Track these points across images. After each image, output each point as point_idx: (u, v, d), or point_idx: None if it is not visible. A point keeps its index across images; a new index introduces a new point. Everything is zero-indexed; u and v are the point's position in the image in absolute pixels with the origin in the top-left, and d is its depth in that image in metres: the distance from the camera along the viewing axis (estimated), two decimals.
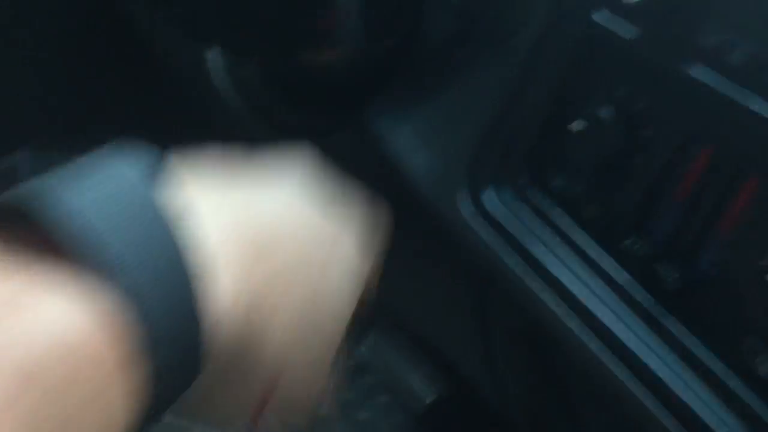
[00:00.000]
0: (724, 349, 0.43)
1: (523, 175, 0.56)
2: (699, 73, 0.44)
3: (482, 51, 0.61)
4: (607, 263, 0.50)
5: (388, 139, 0.63)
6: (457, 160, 0.58)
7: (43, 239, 0.26)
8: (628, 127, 0.48)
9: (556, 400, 0.63)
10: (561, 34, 0.52)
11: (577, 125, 0.50)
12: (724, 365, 0.43)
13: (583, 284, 0.50)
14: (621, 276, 0.49)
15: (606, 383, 0.48)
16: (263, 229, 0.34)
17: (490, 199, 0.56)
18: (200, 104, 0.83)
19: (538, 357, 0.62)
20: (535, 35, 0.55)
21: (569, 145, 0.51)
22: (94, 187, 0.27)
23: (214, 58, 0.77)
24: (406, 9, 0.63)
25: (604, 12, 0.49)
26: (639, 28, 0.47)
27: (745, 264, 0.42)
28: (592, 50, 0.51)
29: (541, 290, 0.52)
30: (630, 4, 0.45)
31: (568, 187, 0.53)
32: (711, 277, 0.44)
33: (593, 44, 0.51)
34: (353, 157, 0.70)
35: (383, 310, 0.46)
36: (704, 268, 0.45)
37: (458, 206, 0.57)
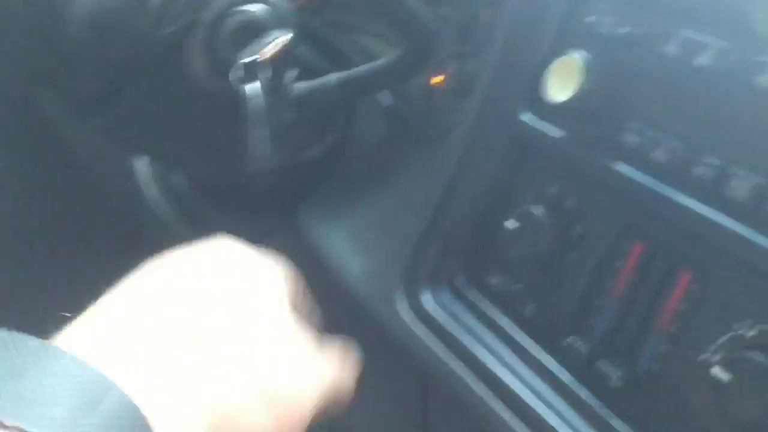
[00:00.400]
0: None
1: (460, 275, 0.55)
2: (624, 170, 0.45)
3: (414, 152, 0.62)
4: (550, 363, 0.49)
5: (320, 243, 0.62)
6: (393, 262, 0.57)
7: None
8: (560, 224, 0.48)
9: None
10: (491, 134, 0.53)
11: (510, 224, 0.50)
12: None
13: (526, 385, 0.49)
14: (564, 375, 0.48)
15: None
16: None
17: (428, 301, 0.55)
18: (131, 216, 0.81)
19: None
20: (466, 136, 0.55)
21: (505, 244, 0.51)
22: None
23: (141, 166, 0.75)
24: (336, 117, 0.63)
25: (531, 112, 0.50)
26: (563, 128, 0.48)
27: (688, 359, 0.41)
28: (522, 149, 0.52)
29: (483, 393, 0.50)
30: (553, 106, 0.46)
31: (506, 286, 0.52)
32: (654, 373, 0.43)
33: (522, 143, 0.51)
34: (287, 262, 0.69)
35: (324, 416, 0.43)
36: (646, 365, 0.44)
37: (396, 309, 0.56)
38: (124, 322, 0.31)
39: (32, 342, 0.27)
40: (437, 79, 0.66)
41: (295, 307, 0.38)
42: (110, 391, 0.27)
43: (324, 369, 0.38)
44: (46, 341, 0.28)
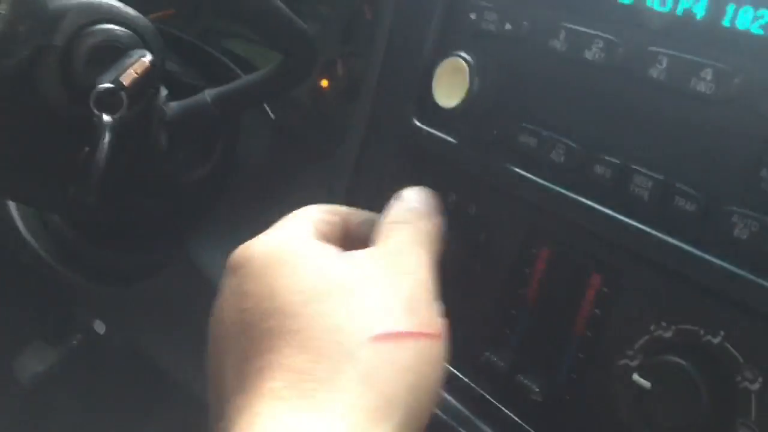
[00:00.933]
0: None
1: None
2: (522, 173, 0.43)
3: (306, 166, 0.58)
4: (468, 379, 0.46)
5: (214, 272, 0.58)
6: None
7: None
8: (463, 234, 0.46)
9: None
10: (383, 142, 0.50)
11: None
12: None
13: (444, 406, 0.47)
14: (483, 391, 0.45)
15: None
16: None
17: None
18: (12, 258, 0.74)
19: None
20: (358, 145, 0.52)
21: None
22: None
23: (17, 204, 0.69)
24: (218, 134, 0.59)
25: (423, 118, 0.47)
26: (457, 133, 0.46)
27: (606, 365, 0.40)
28: (418, 156, 0.49)
29: None
30: (446, 110, 0.43)
31: None
32: (573, 383, 0.42)
33: (418, 150, 0.48)
34: (182, 295, 0.64)
35: None
36: (565, 374, 0.42)
37: None
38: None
39: None
40: (323, 83, 0.62)
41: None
42: None
43: None
44: None
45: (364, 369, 0.32)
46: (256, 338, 0.32)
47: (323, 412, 0.30)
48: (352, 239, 0.42)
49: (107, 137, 0.46)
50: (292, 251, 0.36)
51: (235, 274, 0.36)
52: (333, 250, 0.37)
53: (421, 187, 0.42)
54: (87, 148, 0.48)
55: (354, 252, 0.37)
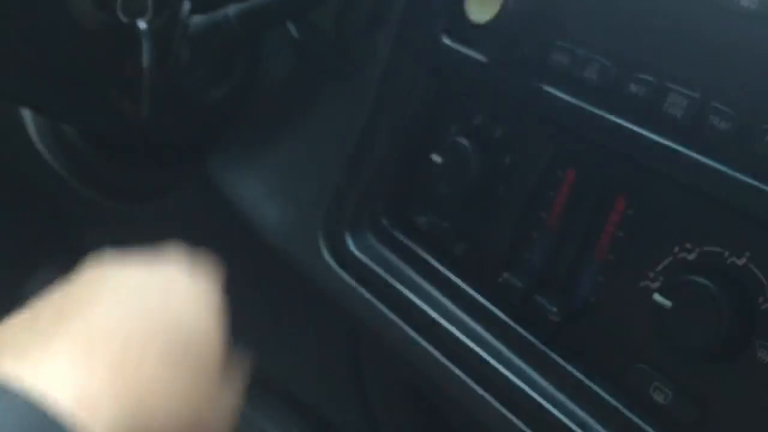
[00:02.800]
0: (615, 381, 0.41)
1: (385, 216, 0.52)
2: (553, 93, 0.42)
3: (328, 88, 0.58)
4: (484, 301, 0.47)
5: (234, 192, 0.57)
6: (312, 206, 0.53)
7: None
8: (488, 156, 0.46)
9: None
10: (410, 62, 0.50)
11: (436, 158, 0.47)
12: (617, 397, 0.40)
13: (460, 327, 0.47)
14: (500, 313, 0.46)
15: (497, 428, 0.44)
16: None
17: (351, 245, 0.52)
18: (23, 171, 0.74)
19: (420, 408, 0.58)
20: (384, 66, 0.51)
21: (430, 180, 0.48)
22: None
23: (30, 116, 0.68)
24: (240, 53, 0.58)
25: (453, 36, 0.46)
26: (488, 52, 0.45)
27: (627, 287, 0.40)
28: (445, 77, 0.48)
29: (416, 338, 0.48)
30: (478, 26, 0.42)
31: (434, 224, 0.49)
32: (593, 305, 0.42)
33: (445, 70, 0.48)
34: (200, 215, 0.64)
35: (255, 370, 0.41)
36: (584, 296, 0.42)
37: (319, 256, 0.53)
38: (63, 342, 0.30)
39: None
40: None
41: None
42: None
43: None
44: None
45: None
46: None
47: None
48: None
49: (147, 46, 0.46)
50: None
51: None
52: None
53: None
54: (129, 60, 0.47)
55: None
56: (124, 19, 0.48)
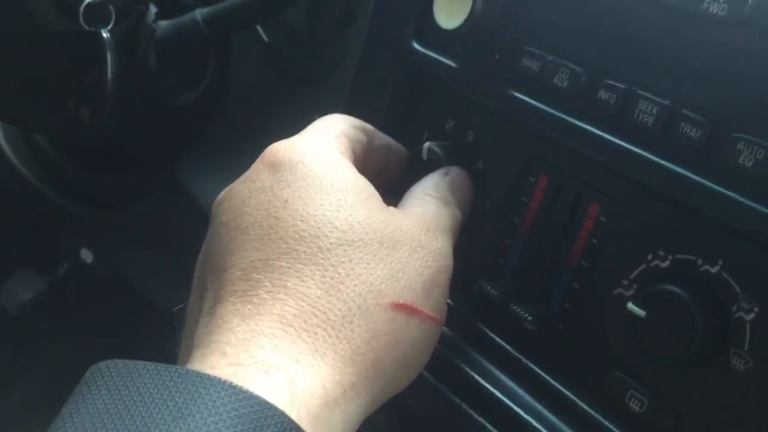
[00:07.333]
0: (591, 389, 0.40)
1: None
2: (523, 99, 0.42)
3: (298, 91, 0.57)
4: (461, 309, 0.46)
5: (204, 198, 0.57)
6: None
7: None
8: (459, 162, 0.45)
9: None
10: (380, 67, 0.49)
11: (410, 162, 0.47)
12: (593, 406, 0.40)
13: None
14: (476, 321, 0.45)
15: None
16: None
17: None
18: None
19: (394, 415, 0.57)
20: (353, 70, 0.51)
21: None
22: None
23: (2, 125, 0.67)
24: (209, 57, 0.57)
25: (423, 41, 0.46)
26: (457, 57, 0.44)
27: (601, 295, 0.39)
28: (415, 82, 0.47)
29: None
30: (444, 32, 0.41)
31: None
32: (568, 312, 0.41)
33: (415, 75, 0.47)
34: (171, 220, 0.63)
35: None
36: (559, 304, 0.42)
37: None
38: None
39: (190, 375, 0.27)
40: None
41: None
42: (270, 417, 0.27)
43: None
44: (202, 373, 0.27)
45: (372, 329, 0.33)
46: (282, 253, 0.32)
47: (321, 353, 0.31)
48: (369, 161, 0.41)
49: (110, 56, 0.45)
50: (331, 171, 0.36)
51: (273, 171, 0.35)
52: (372, 189, 0.37)
53: (467, 175, 0.43)
54: (92, 69, 0.46)
55: (393, 209, 0.38)
56: (86, 27, 0.47)
